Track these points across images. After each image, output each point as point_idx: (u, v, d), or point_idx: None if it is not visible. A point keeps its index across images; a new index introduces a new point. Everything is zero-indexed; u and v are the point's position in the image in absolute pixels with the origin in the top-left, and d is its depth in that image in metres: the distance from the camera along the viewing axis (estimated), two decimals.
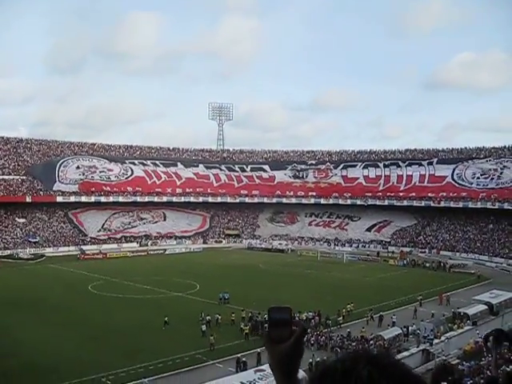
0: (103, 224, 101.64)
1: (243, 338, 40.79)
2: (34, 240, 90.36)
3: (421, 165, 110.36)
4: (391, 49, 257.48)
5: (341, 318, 46.52)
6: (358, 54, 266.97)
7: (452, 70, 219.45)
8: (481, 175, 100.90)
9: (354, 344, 38.25)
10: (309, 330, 41.26)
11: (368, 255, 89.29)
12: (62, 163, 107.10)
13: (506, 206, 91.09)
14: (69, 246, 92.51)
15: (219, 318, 44.88)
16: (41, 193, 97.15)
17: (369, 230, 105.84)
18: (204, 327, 42.12)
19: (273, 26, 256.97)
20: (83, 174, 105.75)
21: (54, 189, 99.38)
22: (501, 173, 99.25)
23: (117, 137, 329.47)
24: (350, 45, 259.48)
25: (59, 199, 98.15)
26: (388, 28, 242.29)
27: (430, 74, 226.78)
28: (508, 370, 24.90)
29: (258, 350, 35.19)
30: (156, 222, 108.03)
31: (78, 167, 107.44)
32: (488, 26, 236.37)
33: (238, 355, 35.04)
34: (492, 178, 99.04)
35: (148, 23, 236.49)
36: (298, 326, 2.11)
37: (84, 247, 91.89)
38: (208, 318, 44.41)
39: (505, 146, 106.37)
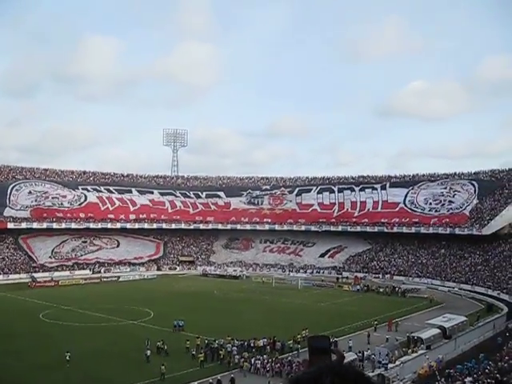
0: (55, 251, 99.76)
1: (198, 365, 40.27)
2: None
3: (374, 189, 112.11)
4: (345, 76, 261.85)
5: (296, 343, 46.46)
6: (312, 80, 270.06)
7: (404, 98, 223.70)
8: (433, 201, 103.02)
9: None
10: (264, 357, 41.14)
11: (323, 281, 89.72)
12: (14, 187, 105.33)
13: (457, 231, 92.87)
14: (20, 273, 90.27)
15: (160, 344, 44.00)
16: None
17: (323, 255, 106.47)
18: (149, 352, 41.40)
19: (227, 52, 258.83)
20: (35, 200, 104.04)
21: (4, 214, 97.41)
22: (453, 195, 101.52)
23: (71, 162, 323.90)
24: (304, 71, 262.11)
25: (10, 226, 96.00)
26: (342, 54, 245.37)
27: (383, 102, 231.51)
28: None
29: (216, 377, 34.79)
30: (109, 249, 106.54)
31: (30, 192, 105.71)
32: (441, 54, 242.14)
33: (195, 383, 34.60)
34: (443, 204, 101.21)
35: (104, 48, 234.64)
36: (337, 354, 2.17)
37: (35, 275, 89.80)
38: (158, 344, 43.79)
39: (455, 173, 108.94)
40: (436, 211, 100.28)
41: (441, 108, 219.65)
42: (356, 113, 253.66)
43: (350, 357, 41.10)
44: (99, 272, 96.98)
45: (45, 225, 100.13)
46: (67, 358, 38.87)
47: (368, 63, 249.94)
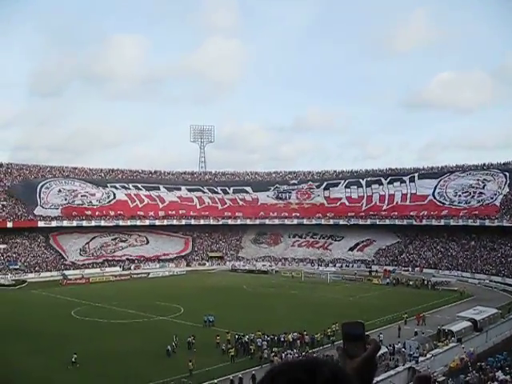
0: (85, 248, 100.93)
1: (229, 360, 40.47)
2: (15, 266, 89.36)
3: (402, 182, 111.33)
4: (372, 69, 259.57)
5: (326, 337, 46.45)
6: (339, 74, 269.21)
7: (433, 89, 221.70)
8: (462, 193, 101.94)
9: None
10: (294, 351, 41.20)
11: (355, 274, 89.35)
12: (44, 185, 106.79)
13: (487, 222, 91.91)
14: (51, 271, 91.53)
15: (190, 339, 44.19)
16: (22, 218, 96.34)
17: (352, 249, 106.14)
18: (169, 347, 41.85)
19: (254, 47, 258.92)
20: (65, 199, 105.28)
21: (35, 213, 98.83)
22: (483, 187, 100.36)
23: (98, 160, 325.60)
24: (332, 65, 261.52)
25: (41, 224, 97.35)
26: (369, 47, 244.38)
27: (411, 93, 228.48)
28: None
29: (250, 371, 34.87)
30: (139, 246, 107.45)
31: (59, 191, 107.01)
32: (469, 45, 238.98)
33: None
34: (473, 196, 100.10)
35: (131, 46, 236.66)
36: (372, 343, 2.18)
37: (66, 272, 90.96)
38: (189, 339, 44.05)
39: (484, 164, 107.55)
40: (466, 203, 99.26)
41: (470, 98, 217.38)
42: (384, 105, 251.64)
43: (381, 350, 40.98)
44: (129, 269, 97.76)
45: (75, 223, 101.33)
46: (73, 359, 38.72)
47: (395, 55, 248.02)
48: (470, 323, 48.87)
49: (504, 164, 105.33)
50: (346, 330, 2.19)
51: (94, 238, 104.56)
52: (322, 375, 1.73)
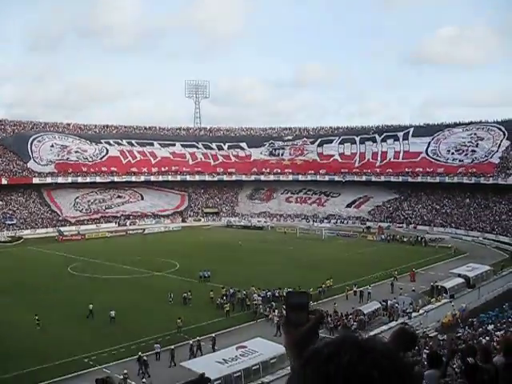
0: (80, 205, 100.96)
1: (224, 315, 40.92)
2: (11, 222, 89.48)
3: (396, 139, 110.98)
4: (372, 23, 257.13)
5: (321, 293, 47.01)
6: (339, 28, 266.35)
7: (433, 44, 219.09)
8: (455, 151, 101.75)
9: (330, 319, 38.60)
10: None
11: (356, 230, 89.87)
12: (36, 138, 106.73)
13: (481, 180, 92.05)
14: (47, 227, 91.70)
15: (186, 295, 44.77)
16: (17, 174, 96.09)
17: (349, 206, 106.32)
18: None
19: (253, 1, 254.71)
20: (58, 155, 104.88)
21: (28, 166, 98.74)
22: (476, 144, 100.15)
23: (94, 117, 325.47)
24: (332, 19, 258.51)
25: (35, 180, 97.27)
26: (370, 1, 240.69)
27: (411, 49, 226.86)
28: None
29: (242, 326, 35.23)
30: (134, 202, 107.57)
31: (52, 145, 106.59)
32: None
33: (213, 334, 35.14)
34: (466, 154, 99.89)
35: None
36: (316, 313, 2.14)
37: (62, 228, 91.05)
38: (184, 295, 44.58)
39: (480, 121, 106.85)
40: (459, 161, 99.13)
41: (471, 55, 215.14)
42: (383, 61, 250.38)
43: (373, 306, 41.52)
44: (125, 225, 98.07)
45: (69, 179, 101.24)
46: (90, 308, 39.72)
47: (396, 9, 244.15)
48: (462, 280, 49.47)
49: (502, 122, 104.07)
50: (290, 299, 2.12)
51: (88, 194, 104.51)
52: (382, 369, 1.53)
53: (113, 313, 38.97)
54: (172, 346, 32.71)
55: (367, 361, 1.48)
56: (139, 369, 30.45)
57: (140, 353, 31.39)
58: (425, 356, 24.27)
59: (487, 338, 29.73)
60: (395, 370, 1.50)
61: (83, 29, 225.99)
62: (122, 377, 28.68)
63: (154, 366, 31.23)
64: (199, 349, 32.98)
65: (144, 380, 28.09)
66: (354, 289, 47.90)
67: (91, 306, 40.07)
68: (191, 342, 33.58)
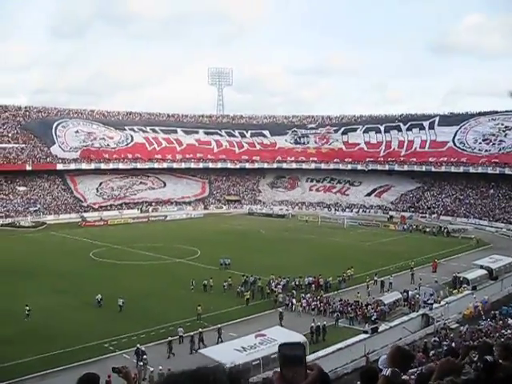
0: (103, 191, 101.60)
1: (244, 303, 40.99)
2: (35, 208, 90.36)
3: (422, 128, 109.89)
4: (398, 11, 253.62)
5: (343, 282, 46.96)
6: (362, 17, 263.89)
7: (460, 33, 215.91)
8: (483, 140, 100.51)
9: (350, 309, 38.48)
10: (309, 295, 41.55)
11: (378, 219, 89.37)
12: (61, 123, 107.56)
13: (506, 171, 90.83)
14: (70, 213, 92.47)
15: (207, 282, 44.86)
16: (41, 160, 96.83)
17: (369, 194, 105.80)
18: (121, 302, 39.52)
19: None
20: (83, 141, 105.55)
21: (52, 152, 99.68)
22: (505, 134, 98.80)
23: (118, 104, 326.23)
24: (355, 8, 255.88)
25: (59, 167, 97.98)
26: None
27: (437, 37, 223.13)
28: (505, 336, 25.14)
29: (261, 314, 35.10)
30: (156, 189, 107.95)
31: (77, 131, 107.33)
32: None
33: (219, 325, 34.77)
34: (493, 144, 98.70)
35: None
36: (314, 369, 1.95)
37: (85, 214, 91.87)
38: (205, 282, 44.71)
39: (506, 110, 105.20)
40: (486, 151, 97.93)
41: (498, 43, 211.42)
42: (408, 50, 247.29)
43: (394, 296, 41.29)
44: (147, 211, 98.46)
45: (93, 165, 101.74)
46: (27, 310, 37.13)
47: None
48: (485, 271, 48.92)
49: None
50: (284, 352, 1.91)
51: (112, 180, 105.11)
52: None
53: (121, 301, 38.81)
54: (192, 333, 32.86)
55: None
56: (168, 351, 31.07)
57: (138, 344, 31.24)
58: (445, 348, 24.09)
59: (509, 330, 29.42)
60: None
61: (108, 15, 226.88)
62: (141, 363, 28.86)
63: (175, 350, 31.46)
64: (201, 341, 32.56)
65: (160, 367, 28.15)
66: (375, 278, 47.71)
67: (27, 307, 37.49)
68: (192, 333, 33.09)
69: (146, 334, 33.80)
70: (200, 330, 33.15)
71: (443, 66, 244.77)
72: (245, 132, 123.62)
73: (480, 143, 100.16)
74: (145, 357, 29.19)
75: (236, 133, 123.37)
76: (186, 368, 1.83)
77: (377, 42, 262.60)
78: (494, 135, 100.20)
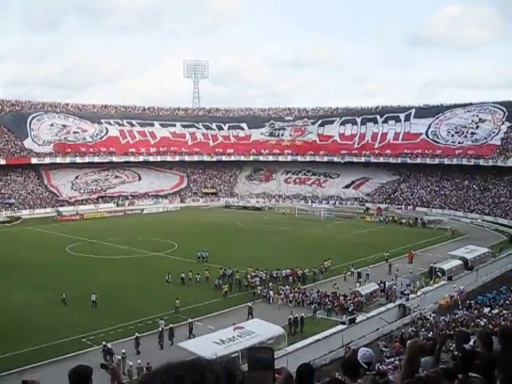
0: (79, 185, 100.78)
1: (222, 296, 40.97)
2: (10, 202, 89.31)
3: (397, 120, 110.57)
4: (375, 4, 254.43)
5: (320, 273, 47.11)
6: (341, 9, 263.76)
7: (437, 25, 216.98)
8: (455, 132, 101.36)
9: (328, 300, 38.65)
10: (287, 287, 41.65)
11: (355, 211, 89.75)
12: (35, 117, 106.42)
13: (481, 162, 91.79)
14: (45, 207, 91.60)
15: (184, 275, 44.84)
16: (15, 154, 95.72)
17: (347, 186, 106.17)
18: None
19: None
20: (57, 135, 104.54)
21: (26, 146, 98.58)
22: (477, 127, 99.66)
23: (94, 97, 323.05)
24: (333, 1, 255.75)
25: (34, 160, 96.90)
26: None
27: (414, 30, 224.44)
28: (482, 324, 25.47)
29: (239, 307, 35.13)
30: (132, 182, 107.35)
31: (51, 125, 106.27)
32: None
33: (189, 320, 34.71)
34: (465, 136, 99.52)
35: None
36: (282, 373, 1.93)
37: (61, 209, 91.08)
38: (182, 275, 44.65)
39: (482, 102, 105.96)
40: (459, 143, 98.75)
41: (474, 36, 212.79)
42: (387, 42, 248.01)
43: (371, 287, 41.57)
44: (123, 205, 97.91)
45: (68, 159, 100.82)
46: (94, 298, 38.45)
47: None
48: (461, 262, 49.46)
49: (503, 102, 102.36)
50: (252, 356, 1.90)
51: (87, 174, 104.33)
52: (212, 373, 1.63)
53: (94, 296, 38.27)
54: (171, 325, 32.82)
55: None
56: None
57: (137, 333, 31.43)
58: (421, 338, 24.31)
59: (484, 319, 29.82)
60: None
61: (83, 7, 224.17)
62: (119, 357, 28.73)
63: (152, 344, 31.43)
64: (172, 335, 32.35)
65: (139, 361, 28.05)
66: (352, 270, 47.97)
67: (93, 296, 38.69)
68: (161, 327, 32.79)
69: (123, 329, 33.67)
70: (171, 325, 33.03)
71: (421, 59, 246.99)
72: (222, 125, 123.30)
73: (453, 135, 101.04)
74: (123, 351, 29.07)
75: (213, 125, 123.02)
76: (168, 361, 1.80)
77: (355, 35, 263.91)
78: (465, 127, 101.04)
